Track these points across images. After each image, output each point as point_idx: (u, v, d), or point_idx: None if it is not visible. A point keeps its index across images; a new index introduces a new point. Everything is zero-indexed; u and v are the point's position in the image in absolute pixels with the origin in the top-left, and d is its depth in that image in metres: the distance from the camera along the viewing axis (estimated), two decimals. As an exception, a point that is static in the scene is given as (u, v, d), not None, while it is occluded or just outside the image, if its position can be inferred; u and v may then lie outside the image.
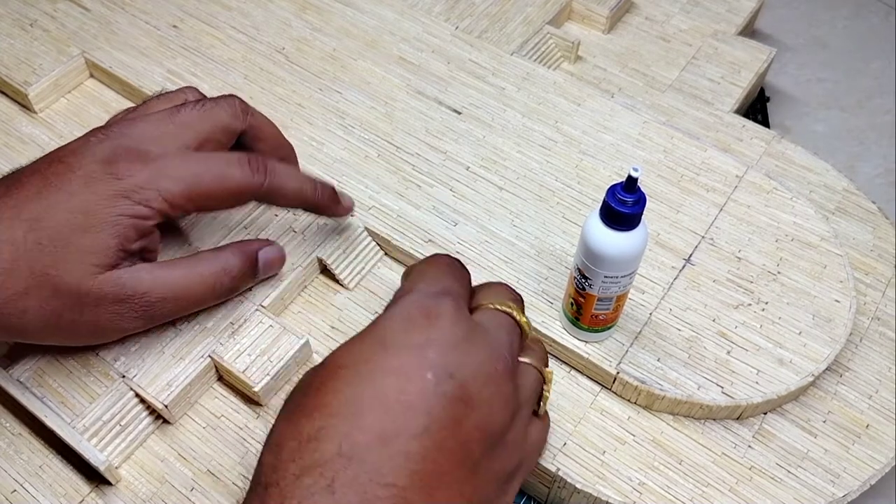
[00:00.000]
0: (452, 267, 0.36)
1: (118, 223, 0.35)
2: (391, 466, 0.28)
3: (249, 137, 0.41)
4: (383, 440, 0.28)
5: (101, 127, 0.39)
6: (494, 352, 0.32)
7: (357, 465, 0.27)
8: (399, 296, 0.34)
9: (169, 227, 0.44)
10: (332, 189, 0.43)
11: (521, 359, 0.35)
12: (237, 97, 0.41)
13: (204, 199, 0.37)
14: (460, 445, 0.29)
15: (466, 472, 0.29)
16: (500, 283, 0.37)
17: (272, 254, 0.42)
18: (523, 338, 0.35)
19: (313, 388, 0.30)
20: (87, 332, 0.37)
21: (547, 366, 0.36)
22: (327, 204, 0.42)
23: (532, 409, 0.35)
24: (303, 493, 0.27)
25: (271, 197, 0.40)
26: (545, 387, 0.35)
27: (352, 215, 0.45)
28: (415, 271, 0.36)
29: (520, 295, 0.37)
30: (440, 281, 0.34)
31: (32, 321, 0.35)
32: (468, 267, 0.36)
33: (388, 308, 0.33)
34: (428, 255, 0.38)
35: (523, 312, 0.36)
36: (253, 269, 0.41)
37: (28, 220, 0.34)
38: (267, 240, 0.43)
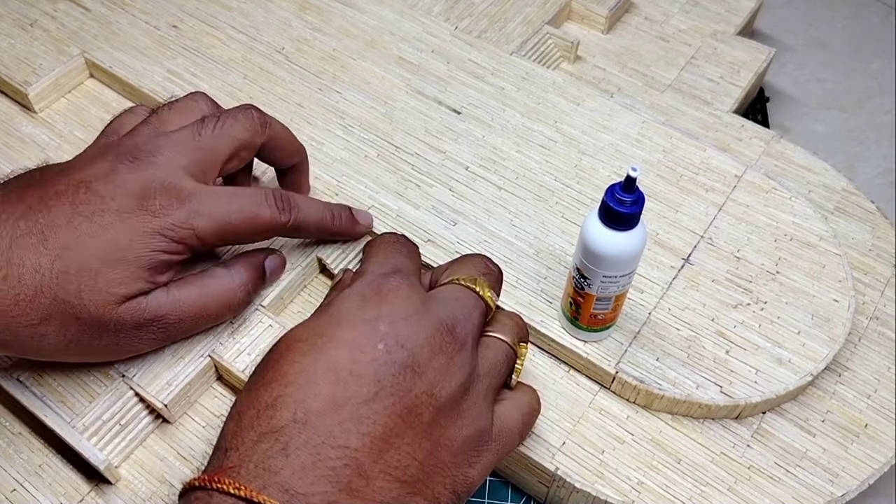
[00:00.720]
0: (399, 244, 0.39)
1: (152, 258, 0.36)
2: (342, 430, 0.30)
3: (268, 148, 0.42)
4: (335, 406, 0.30)
5: (125, 148, 0.37)
6: (444, 324, 0.33)
7: (310, 429, 0.29)
8: (353, 278, 0.36)
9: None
10: (349, 212, 0.44)
11: (488, 332, 0.36)
12: (254, 108, 0.41)
13: (233, 235, 0.38)
14: (409, 410, 0.31)
15: (417, 436, 0.31)
16: (475, 256, 0.39)
17: (276, 262, 0.43)
18: (488, 311, 0.36)
19: (272, 362, 0.32)
20: (103, 354, 0.38)
21: (524, 340, 0.37)
22: (346, 229, 0.44)
23: (498, 381, 0.36)
24: (259, 457, 0.29)
25: (295, 232, 0.42)
26: (518, 360, 0.37)
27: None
28: (365, 254, 0.39)
29: (497, 267, 0.39)
30: (390, 260, 0.37)
31: (50, 344, 0.35)
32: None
33: (341, 290, 0.35)
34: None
35: (493, 287, 0.37)
36: (262, 279, 0.42)
37: (56, 249, 0.34)
38: (268, 248, 0.43)
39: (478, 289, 0.36)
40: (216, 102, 0.42)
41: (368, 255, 0.39)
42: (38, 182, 0.36)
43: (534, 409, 0.38)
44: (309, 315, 0.36)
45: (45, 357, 0.37)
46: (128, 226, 0.35)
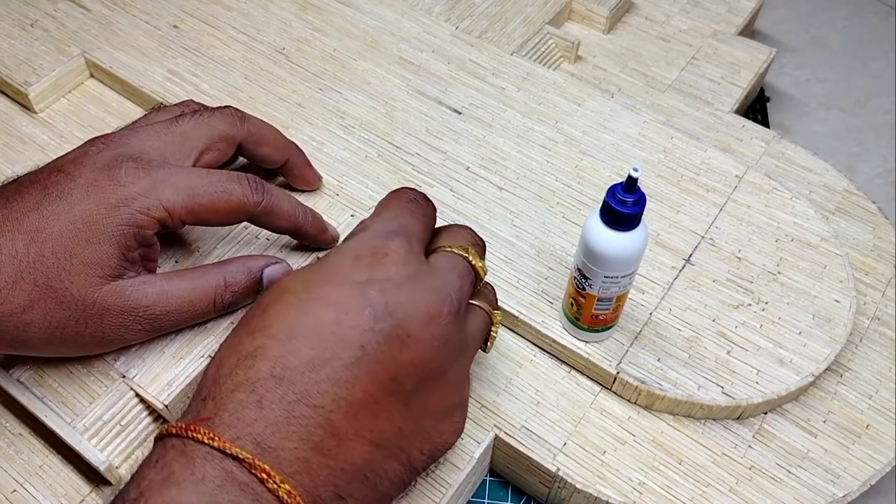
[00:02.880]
0: (414, 203, 0.37)
1: (119, 232, 0.35)
2: (318, 390, 0.30)
3: (251, 144, 0.42)
4: (313, 366, 0.30)
5: (100, 137, 0.39)
6: (440, 293, 0.33)
7: (286, 385, 0.30)
8: (354, 232, 0.35)
9: (171, 236, 0.44)
10: (321, 218, 0.43)
11: (472, 301, 0.36)
12: (233, 107, 0.41)
13: (203, 211, 0.37)
14: (391, 378, 0.31)
15: (397, 402, 0.31)
16: (461, 227, 0.38)
17: (277, 272, 0.41)
18: (478, 281, 0.36)
19: (259, 310, 0.32)
20: (91, 343, 0.37)
21: (497, 308, 0.38)
22: (314, 232, 0.43)
23: (478, 348, 0.36)
24: (235, 406, 0.29)
25: (266, 217, 0.40)
26: (493, 327, 0.37)
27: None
28: (377, 206, 0.37)
29: (482, 239, 0.38)
30: (396, 219, 0.35)
31: (37, 334, 0.35)
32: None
33: (343, 241, 0.35)
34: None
35: (481, 257, 0.37)
36: (256, 286, 0.40)
37: (29, 232, 0.34)
38: (273, 257, 0.42)
39: (471, 258, 0.36)
40: (204, 105, 0.42)
41: (379, 208, 0.37)
42: (20, 179, 0.37)
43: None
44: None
45: (34, 350, 0.36)
46: (94, 198, 0.35)
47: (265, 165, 0.44)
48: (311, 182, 0.47)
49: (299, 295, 0.32)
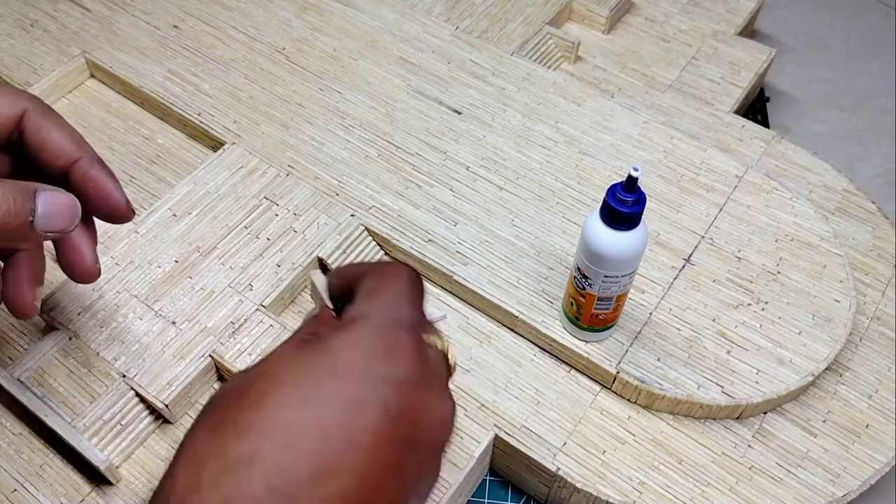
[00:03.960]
0: (411, 285, 0.31)
1: None
2: None
3: (30, 132, 0.34)
4: (320, 479, 0.25)
5: None
6: (443, 392, 0.29)
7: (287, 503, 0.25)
8: (356, 317, 0.29)
9: (170, 234, 0.44)
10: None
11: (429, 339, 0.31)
12: None
13: None
14: (399, 488, 0.27)
15: (405, 492, 0.28)
16: (394, 276, 0.31)
17: (57, 200, 0.32)
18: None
19: (248, 400, 0.27)
20: None
21: (440, 337, 0.32)
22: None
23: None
24: None
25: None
26: (448, 358, 0.32)
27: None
28: (368, 285, 0.31)
29: (414, 273, 0.32)
30: (400, 308, 0.30)
31: None
32: (468, 266, 0.36)
33: (344, 330, 0.29)
34: (389, 264, 0.33)
35: (438, 333, 0.32)
36: (27, 213, 0.31)
37: None
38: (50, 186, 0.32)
39: (445, 350, 0.31)
40: None
41: (375, 292, 0.31)
42: None
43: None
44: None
45: None
46: None
47: (45, 166, 0.35)
48: (116, 208, 0.35)
49: (303, 389, 0.26)
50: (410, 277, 0.32)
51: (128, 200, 0.35)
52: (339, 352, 0.28)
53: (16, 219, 0.30)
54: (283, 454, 0.25)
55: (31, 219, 0.31)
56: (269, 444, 0.25)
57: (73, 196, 0.32)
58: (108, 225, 0.43)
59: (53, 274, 0.38)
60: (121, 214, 0.35)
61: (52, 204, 0.31)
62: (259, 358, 0.33)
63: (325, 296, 0.33)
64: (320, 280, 0.33)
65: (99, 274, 0.36)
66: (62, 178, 0.34)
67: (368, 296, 0.30)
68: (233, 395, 0.27)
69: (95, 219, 0.36)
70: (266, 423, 0.26)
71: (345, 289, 0.32)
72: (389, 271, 0.31)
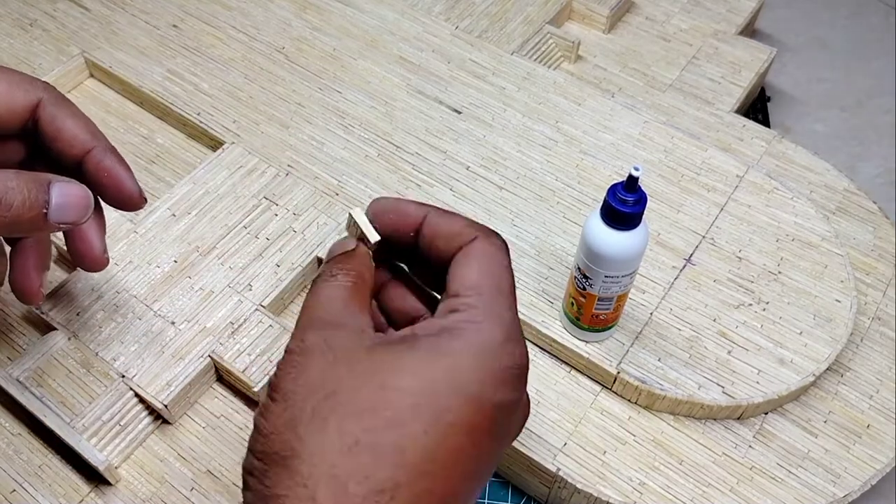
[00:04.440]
0: (512, 284, 0.30)
1: None
2: None
3: (45, 122, 0.33)
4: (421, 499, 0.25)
5: None
6: (525, 393, 0.29)
7: None
8: (468, 322, 0.27)
9: (169, 234, 0.44)
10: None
11: None
12: None
13: None
14: (482, 481, 0.27)
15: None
16: (508, 278, 0.30)
17: (71, 191, 0.31)
18: None
19: (380, 423, 0.25)
20: None
21: None
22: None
23: None
24: None
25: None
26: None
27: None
28: (488, 288, 0.28)
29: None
30: (513, 321, 0.28)
31: None
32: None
33: (462, 340, 0.27)
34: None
35: None
36: (41, 205, 0.31)
37: None
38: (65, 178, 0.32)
39: None
40: None
41: (488, 290, 0.28)
42: None
43: None
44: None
45: None
46: None
47: (59, 155, 0.34)
48: (126, 195, 0.35)
49: (435, 417, 0.25)
50: (511, 273, 0.30)
51: (140, 189, 0.35)
52: (466, 370, 0.26)
53: (30, 210, 0.30)
54: (419, 485, 0.24)
55: (45, 210, 0.30)
56: (405, 473, 0.24)
57: (86, 188, 0.32)
58: (108, 225, 0.42)
59: (53, 274, 0.38)
60: (133, 203, 0.35)
61: (66, 196, 0.31)
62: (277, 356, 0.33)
63: (371, 233, 0.29)
64: (363, 219, 0.30)
65: (107, 263, 0.37)
66: (76, 166, 0.34)
67: (478, 292, 0.28)
68: (350, 402, 0.25)
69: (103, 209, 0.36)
70: (402, 447, 0.25)
71: (410, 235, 0.30)
72: (501, 259, 0.29)
